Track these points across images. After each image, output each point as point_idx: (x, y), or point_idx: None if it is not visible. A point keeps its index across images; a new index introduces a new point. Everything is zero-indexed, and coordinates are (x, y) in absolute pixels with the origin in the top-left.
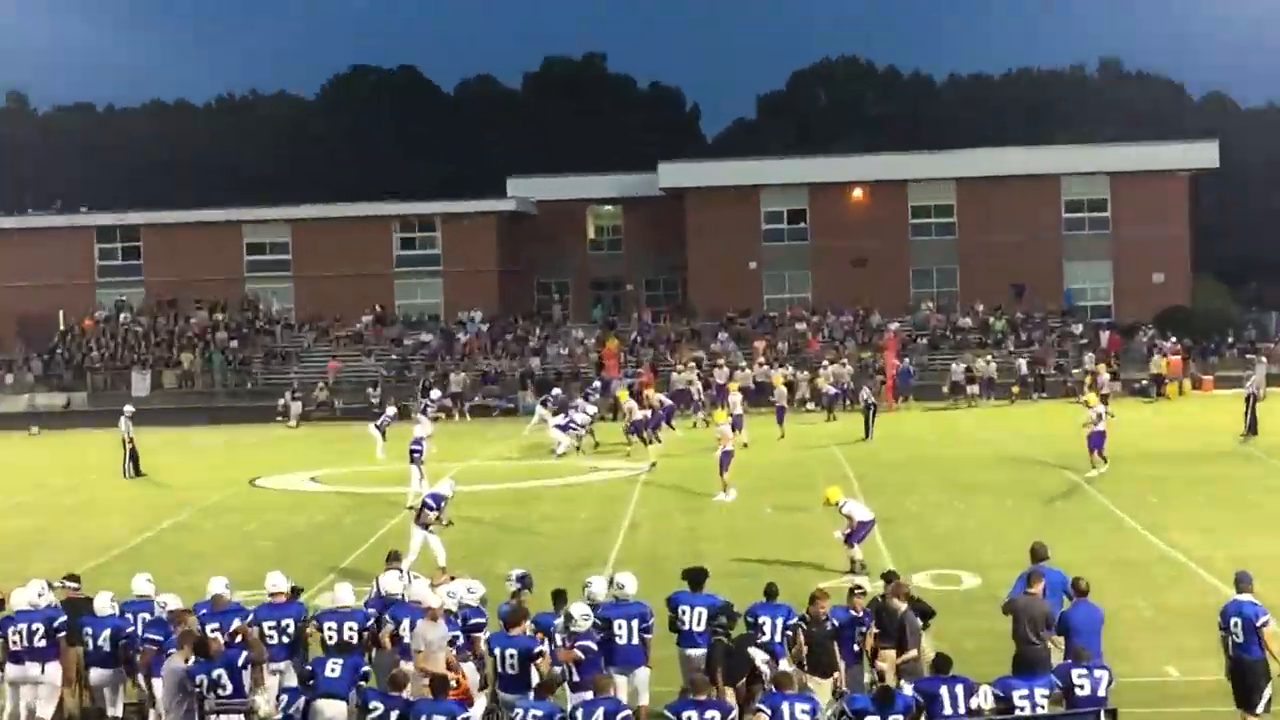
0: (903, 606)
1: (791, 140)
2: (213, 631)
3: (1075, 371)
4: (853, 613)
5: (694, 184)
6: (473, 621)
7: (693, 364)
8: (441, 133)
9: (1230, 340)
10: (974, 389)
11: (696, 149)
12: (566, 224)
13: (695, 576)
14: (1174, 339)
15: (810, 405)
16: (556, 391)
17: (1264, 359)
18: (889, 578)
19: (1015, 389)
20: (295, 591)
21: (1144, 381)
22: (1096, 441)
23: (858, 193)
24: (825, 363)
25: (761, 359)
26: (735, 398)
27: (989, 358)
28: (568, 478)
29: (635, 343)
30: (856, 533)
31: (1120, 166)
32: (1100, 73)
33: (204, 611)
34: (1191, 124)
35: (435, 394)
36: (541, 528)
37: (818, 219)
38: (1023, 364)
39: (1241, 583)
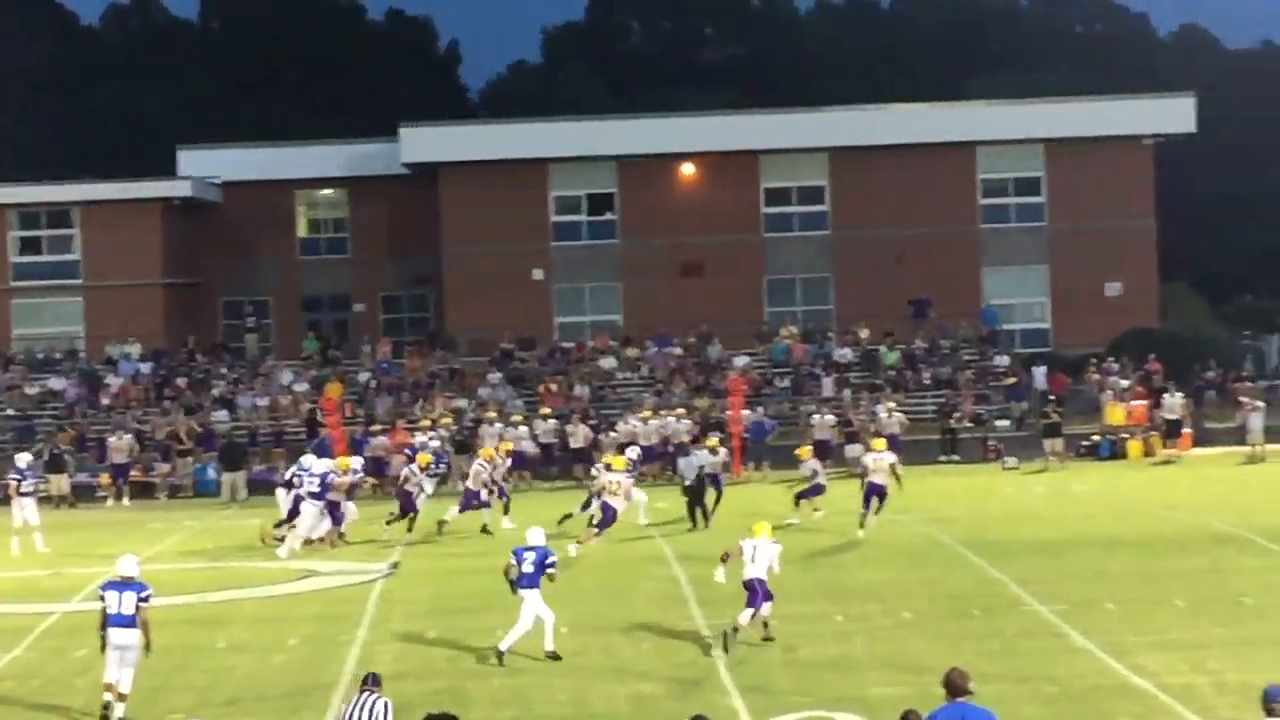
0: None
1: (593, 94)
2: None
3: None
4: None
5: (451, 157)
6: None
7: (448, 418)
8: (80, 81)
9: (1211, 374)
10: (855, 450)
11: (455, 107)
12: (266, 216)
13: None
14: (1138, 373)
15: None
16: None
17: (1261, 404)
18: None
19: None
20: None
21: (1095, 437)
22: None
23: (688, 169)
24: (643, 414)
25: (546, 409)
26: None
27: (891, 405)
28: (276, 587)
29: (368, 388)
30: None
31: (1060, 130)
32: None
33: None
34: (1159, 71)
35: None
36: (231, 660)
37: (631, 208)
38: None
39: (1273, 700)
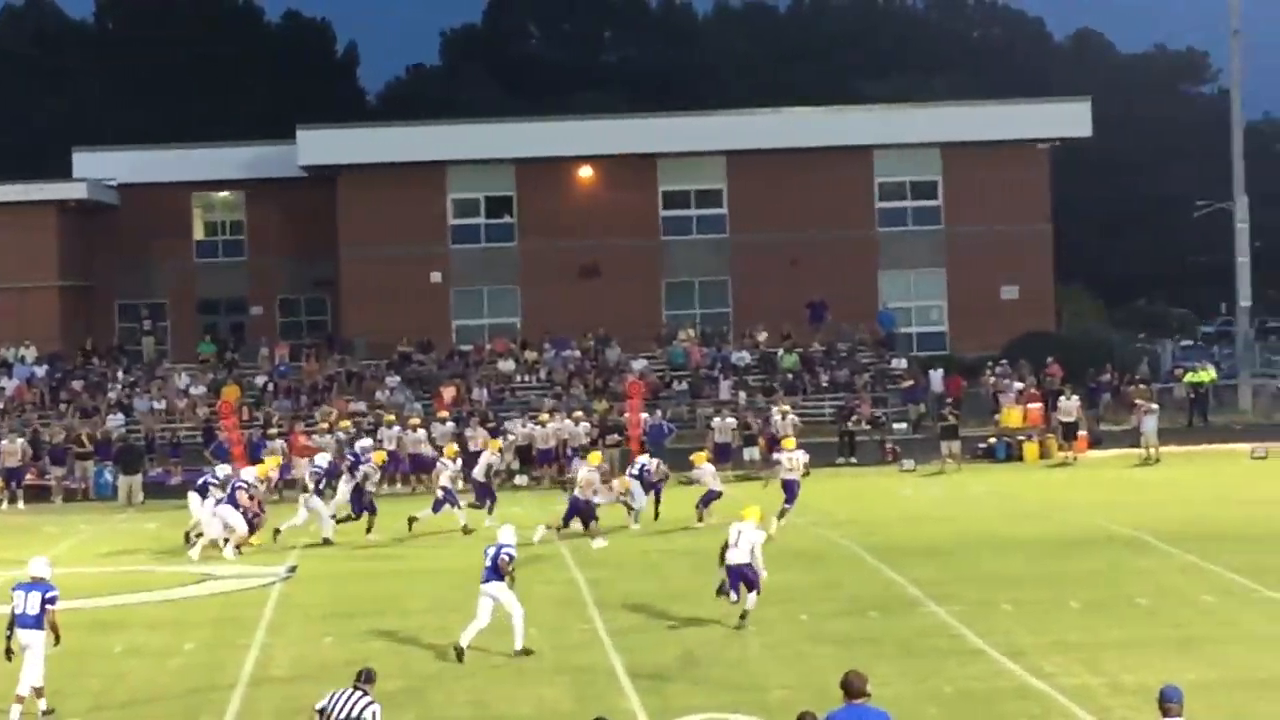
0: None
1: (492, 97)
2: None
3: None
4: None
5: (349, 160)
6: None
7: (346, 422)
8: None
9: (1108, 378)
10: (754, 452)
11: (353, 109)
12: (162, 219)
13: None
14: (1033, 377)
15: (521, 478)
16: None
17: (1155, 406)
18: None
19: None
20: None
21: (991, 440)
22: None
23: (586, 172)
24: (541, 418)
25: (445, 413)
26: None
27: (786, 409)
28: (172, 590)
29: (265, 391)
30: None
31: (956, 134)
32: (929, 2)
33: None
34: (1055, 76)
35: None
36: (127, 664)
37: (529, 210)
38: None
39: (1169, 701)
